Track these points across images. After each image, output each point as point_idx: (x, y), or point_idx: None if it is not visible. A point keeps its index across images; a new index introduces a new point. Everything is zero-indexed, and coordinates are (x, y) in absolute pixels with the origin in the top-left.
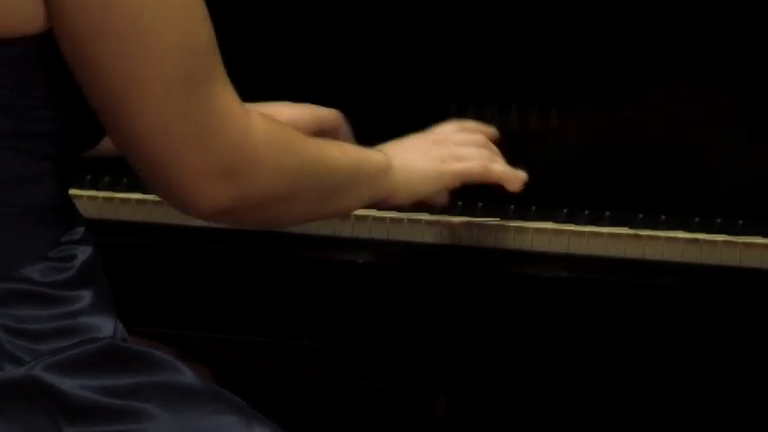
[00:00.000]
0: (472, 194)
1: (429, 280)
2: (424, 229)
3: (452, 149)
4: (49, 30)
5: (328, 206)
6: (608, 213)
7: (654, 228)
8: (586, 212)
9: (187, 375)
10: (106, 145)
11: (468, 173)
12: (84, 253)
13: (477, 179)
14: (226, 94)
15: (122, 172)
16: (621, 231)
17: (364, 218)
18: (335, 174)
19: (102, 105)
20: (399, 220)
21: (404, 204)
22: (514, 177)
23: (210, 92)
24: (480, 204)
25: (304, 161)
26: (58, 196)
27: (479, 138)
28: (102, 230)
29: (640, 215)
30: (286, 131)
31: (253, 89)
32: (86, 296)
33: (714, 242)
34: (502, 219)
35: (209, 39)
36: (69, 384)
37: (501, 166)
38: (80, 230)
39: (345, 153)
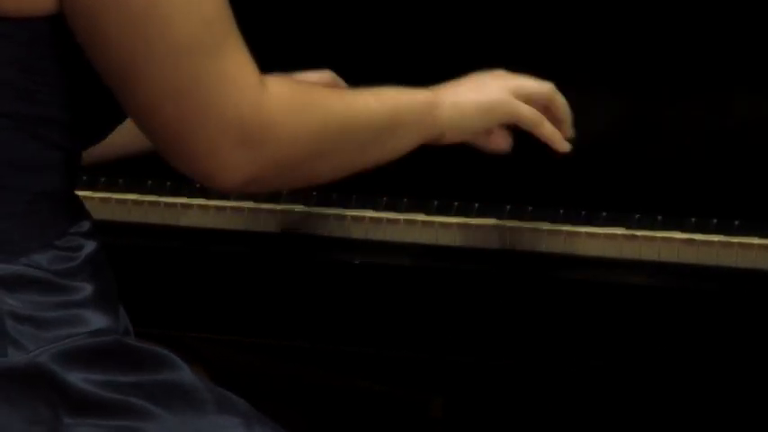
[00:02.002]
0: (468, 195)
1: (427, 280)
2: (420, 229)
3: (513, 82)
4: (60, 11)
5: (368, 156)
6: (604, 213)
7: (650, 228)
8: (582, 212)
9: (189, 375)
10: (103, 150)
11: (521, 114)
12: (89, 246)
13: (526, 126)
14: (238, 62)
15: (119, 173)
16: (617, 231)
17: (360, 218)
18: (369, 124)
19: (114, 76)
20: (395, 221)
21: (460, 140)
22: (560, 139)
23: (221, 60)
24: (477, 205)
25: (328, 118)
26: (66, 188)
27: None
28: (98, 231)
29: (637, 215)
30: (305, 91)
31: None
32: (88, 288)
33: (711, 243)
34: (498, 219)
35: (220, 7)
36: (73, 376)
37: (551, 127)
38: (86, 224)
39: (381, 100)
